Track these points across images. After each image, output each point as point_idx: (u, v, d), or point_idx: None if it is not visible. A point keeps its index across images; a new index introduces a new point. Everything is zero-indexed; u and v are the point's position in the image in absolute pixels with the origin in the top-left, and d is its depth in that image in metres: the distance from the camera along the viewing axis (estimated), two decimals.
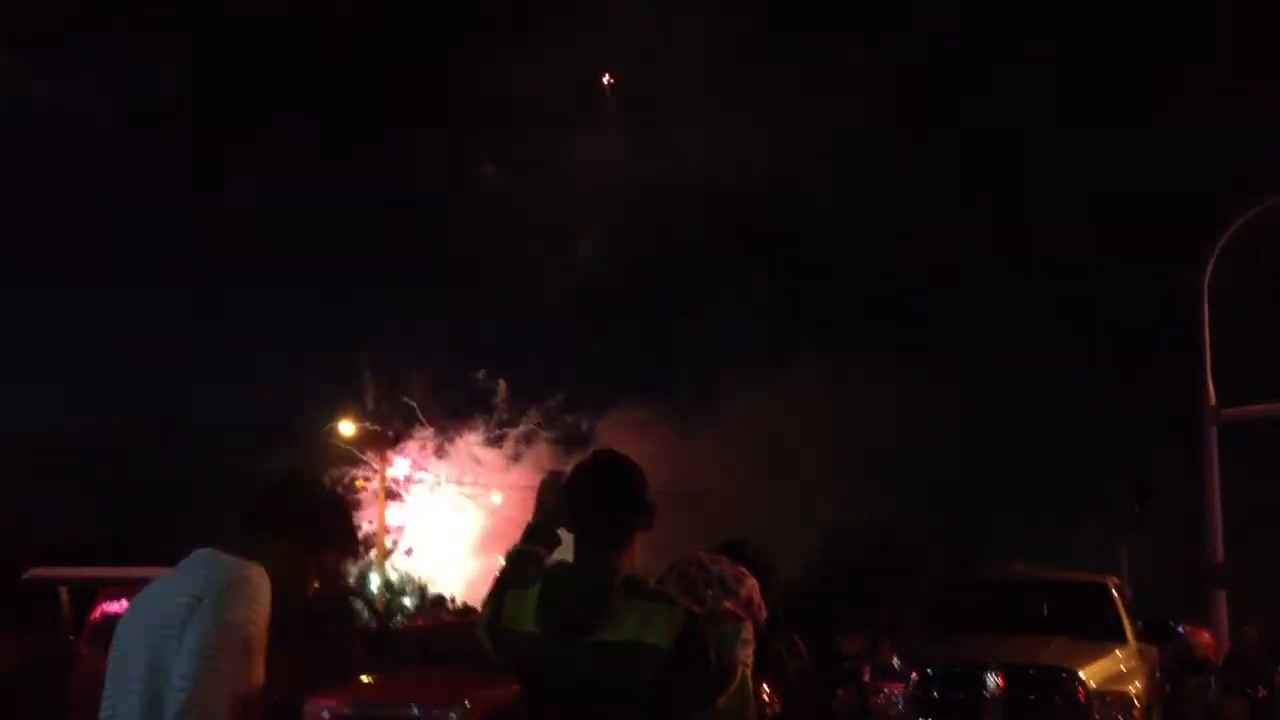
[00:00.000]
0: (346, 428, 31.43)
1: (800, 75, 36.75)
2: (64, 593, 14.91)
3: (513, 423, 36.05)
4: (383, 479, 31.56)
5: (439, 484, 34.98)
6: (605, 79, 38.86)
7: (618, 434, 33.35)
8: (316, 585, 3.19)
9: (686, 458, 31.93)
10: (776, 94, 37.07)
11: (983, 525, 28.85)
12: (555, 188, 37.58)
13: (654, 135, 37.86)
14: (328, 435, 31.50)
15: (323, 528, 3.19)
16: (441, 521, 34.90)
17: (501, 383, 35.82)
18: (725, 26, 37.30)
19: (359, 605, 16.59)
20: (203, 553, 3.01)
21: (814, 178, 35.29)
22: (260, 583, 2.95)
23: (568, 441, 35.50)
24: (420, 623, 19.86)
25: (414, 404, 34.46)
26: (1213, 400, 17.18)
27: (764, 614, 3.68)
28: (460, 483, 34.68)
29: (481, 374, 35.69)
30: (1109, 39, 34.66)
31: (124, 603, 13.10)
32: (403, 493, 34.55)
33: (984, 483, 29.89)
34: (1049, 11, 35.23)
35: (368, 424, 32.07)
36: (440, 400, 35.49)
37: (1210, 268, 17.79)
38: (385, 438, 32.03)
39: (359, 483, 32.30)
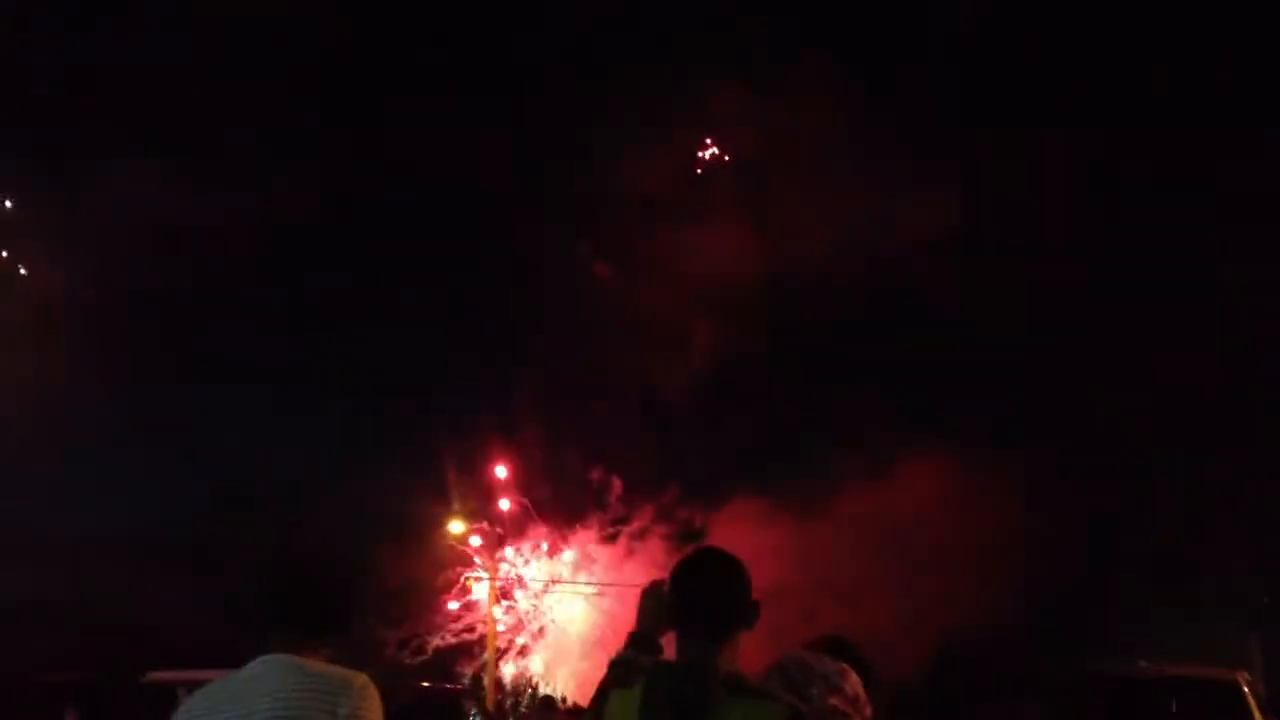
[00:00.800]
0: (456, 526, 31.78)
1: (919, 166, 36.81)
2: (184, 694, 15.15)
3: (626, 519, 36.21)
4: (493, 578, 31.73)
5: (552, 583, 35.12)
6: (708, 153, 39.18)
7: (731, 528, 33.16)
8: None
9: (803, 551, 31.93)
10: (895, 183, 37.19)
11: (1104, 620, 28.06)
12: (666, 280, 38.10)
13: (769, 223, 38.03)
14: (441, 536, 31.88)
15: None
16: (554, 621, 34.95)
17: (615, 479, 36.17)
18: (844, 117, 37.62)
19: (469, 706, 16.63)
20: (289, 661, 3.03)
21: (932, 267, 35.18)
22: (373, 690, 3.01)
23: (681, 537, 35.27)
24: None
25: (527, 503, 35.02)
26: None
27: (869, 710, 3.66)
28: (574, 581, 34.85)
29: (596, 473, 36.14)
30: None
31: None
32: (516, 591, 34.78)
33: (1104, 574, 29.13)
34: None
35: (480, 524, 32.45)
36: (555, 499, 35.87)
37: None
38: (494, 536, 32.27)
39: (469, 582, 32.52)
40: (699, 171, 40.12)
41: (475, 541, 33.04)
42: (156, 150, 36.16)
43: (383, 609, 32.81)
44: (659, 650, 3.49)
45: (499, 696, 32.27)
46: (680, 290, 37.82)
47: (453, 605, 33.75)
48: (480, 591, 33.54)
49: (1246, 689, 11.92)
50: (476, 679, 32.20)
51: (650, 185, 38.18)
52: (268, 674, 3.05)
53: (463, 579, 32.90)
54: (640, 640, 3.49)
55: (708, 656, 3.17)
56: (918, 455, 32.60)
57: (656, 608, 3.48)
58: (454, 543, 32.32)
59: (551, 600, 35.04)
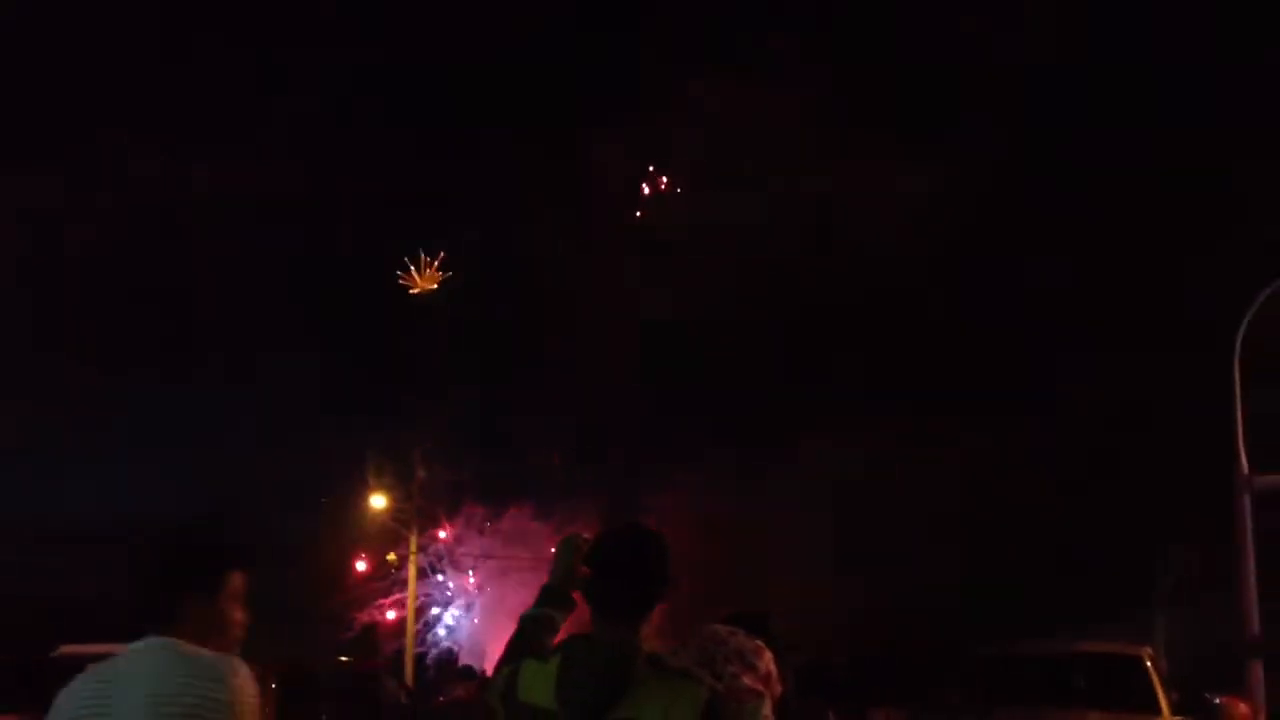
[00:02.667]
0: (378, 501, 31.55)
1: (882, 143, 37.07)
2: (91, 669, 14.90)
3: (566, 494, 36.36)
4: (413, 555, 31.53)
5: (478, 560, 34.95)
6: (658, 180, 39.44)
7: (674, 500, 33.69)
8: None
9: (738, 524, 32.13)
10: (850, 164, 37.48)
11: (1019, 597, 28.55)
12: (619, 260, 38.23)
13: (719, 203, 38.13)
14: (360, 512, 31.67)
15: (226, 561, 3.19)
16: (484, 597, 34.78)
17: (555, 455, 36.02)
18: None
19: (389, 682, 16.56)
20: (164, 644, 3.01)
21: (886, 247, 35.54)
22: (247, 671, 3.00)
23: (621, 507, 35.32)
24: (440, 700, 19.77)
25: (459, 479, 34.98)
26: (1245, 469, 16.99)
27: (781, 688, 3.67)
28: (506, 556, 34.61)
29: (540, 452, 36.14)
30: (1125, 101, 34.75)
31: None
32: (444, 569, 34.61)
33: (1021, 554, 29.61)
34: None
35: (402, 501, 32.19)
36: (493, 475, 35.95)
37: (1241, 333, 17.68)
38: (412, 510, 32.02)
39: (390, 557, 32.30)
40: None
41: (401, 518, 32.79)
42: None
43: (312, 585, 32.64)
44: (572, 605, 3.43)
45: (427, 672, 32.21)
46: (629, 262, 38.18)
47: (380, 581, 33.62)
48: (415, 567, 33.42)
49: (1149, 664, 12.27)
50: (398, 655, 32.00)
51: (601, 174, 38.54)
52: (144, 659, 3.03)
53: (388, 555, 32.64)
54: (553, 593, 3.42)
55: (627, 634, 3.12)
56: (858, 434, 32.75)
57: (571, 560, 3.41)
58: (377, 518, 32.03)
59: (485, 576, 34.90)
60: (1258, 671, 16.61)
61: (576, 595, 3.44)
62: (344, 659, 23.23)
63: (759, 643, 3.70)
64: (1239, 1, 32.74)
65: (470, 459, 35.72)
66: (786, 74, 38.18)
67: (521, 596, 34.27)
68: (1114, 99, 34.51)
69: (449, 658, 34.27)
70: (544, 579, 3.52)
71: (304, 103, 41.90)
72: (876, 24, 39.87)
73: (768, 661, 3.68)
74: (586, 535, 3.45)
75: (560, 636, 3.32)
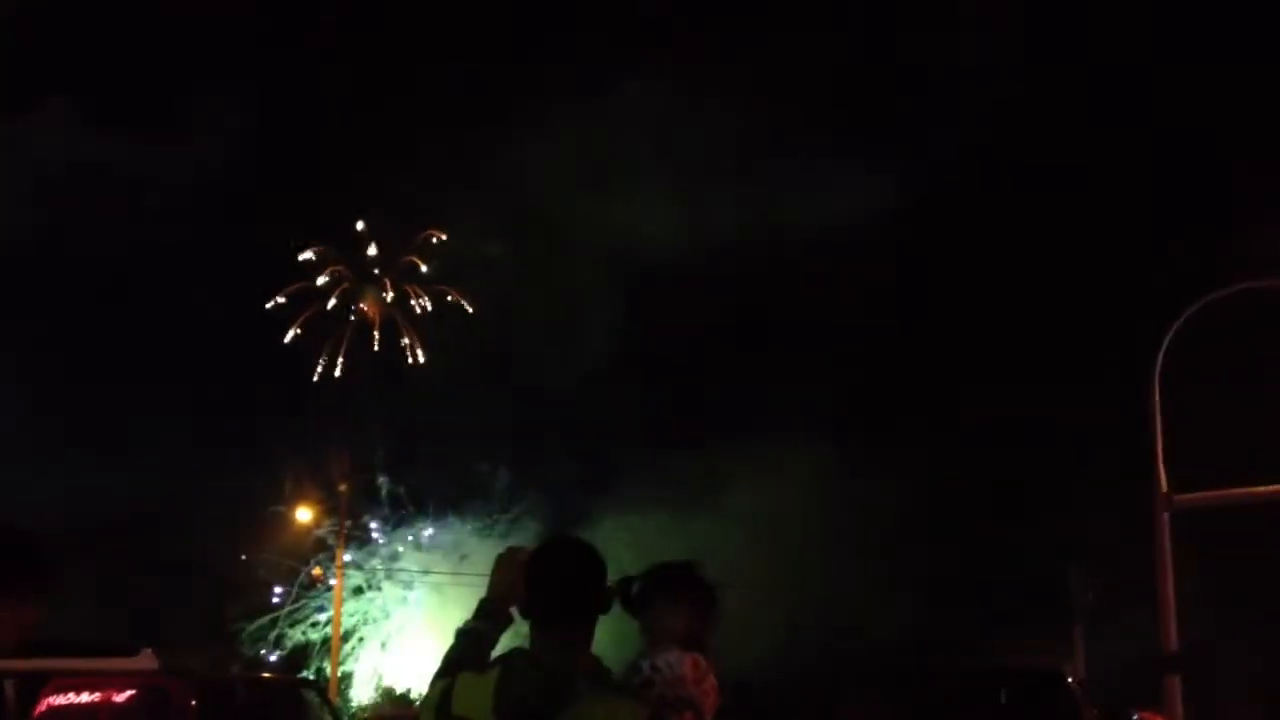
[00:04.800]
0: (303, 514, 31.14)
1: (818, 155, 37.47)
2: (9, 686, 14.57)
3: (509, 508, 36.13)
4: (339, 565, 31.10)
5: (412, 576, 34.52)
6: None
7: (616, 514, 33.61)
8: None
9: (685, 539, 32.00)
10: (786, 176, 37.84)
11: (947, 613, 28.94)
12: (561, 265, 38.30)
13: (657, 219, 38.32)
14: (286, 521, 31.23)
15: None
16: (420, 615, 34.33)
17: (503, 470, 35.90)
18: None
19: (312, 697, 16.31)
20: None
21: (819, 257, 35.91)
22: None
23: (563, 522, 35.09)
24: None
25: (400, 490, 34.66)
26: (1164, 487, 17.29)
27: (714, 701, 3.65)
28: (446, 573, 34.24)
29: (485, 466, 35.95)
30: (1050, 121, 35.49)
31: (71, 695, 12.85)
32: (380, 585, 34.18)
33: (950, 571, 30.05)
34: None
35: (330, 515, 31.77)
36: (437, 490, 35.70)
37: (1161, 355, 18.01)
38: (341, 529, 31.57)
39: (315, 572, 31.82)
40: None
41: (330, 531, 32.35)
42: None
43: (239, 600, 32.15)
44: (508, 620, 3.39)
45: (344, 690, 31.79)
46: (576, 277, 38.26)
47: (310, 596, 33.16)
48: (351, 583, 33.18)
49: (1070, 680, 12.47)
50: (319, 671, 31.59)
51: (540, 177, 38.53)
52: None
53: (311, 566, 32.08)
54: (490, 608, 3.38)
55: (566, 648, 3.10)
56: (809, 446, 33.11)
57: (509, 574, 3.37)
58: (303, 531, 31.61)
59: (423, 592, 34.50)
60: (1175, 686, 16.90)
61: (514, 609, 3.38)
62: (266, 675, 22.88)
63: (694, 657, 3.66)
64: (1182, 25, 33.52)
65: (411, 471, 35.51)
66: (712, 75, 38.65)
67: (462, 613, 33.52)
68: (1040, 127, 35.21)
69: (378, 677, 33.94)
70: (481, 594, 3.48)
71: None
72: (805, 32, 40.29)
73: (701, 676, 3.63)
74: (525, 548, 3.42)
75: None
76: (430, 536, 35.34)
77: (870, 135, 38.54)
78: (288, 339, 38.38)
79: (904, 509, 31.30)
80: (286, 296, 39.03)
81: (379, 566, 34.30)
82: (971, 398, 31.72)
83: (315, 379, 38.32)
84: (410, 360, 39.81)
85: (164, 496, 30.85)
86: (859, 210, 35.38)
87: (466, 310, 40.39)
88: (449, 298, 40.37)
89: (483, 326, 39.61)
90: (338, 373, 38.72)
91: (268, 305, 38.59)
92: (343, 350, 38.94)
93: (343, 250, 40.03)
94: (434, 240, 40.90)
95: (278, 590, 32.69)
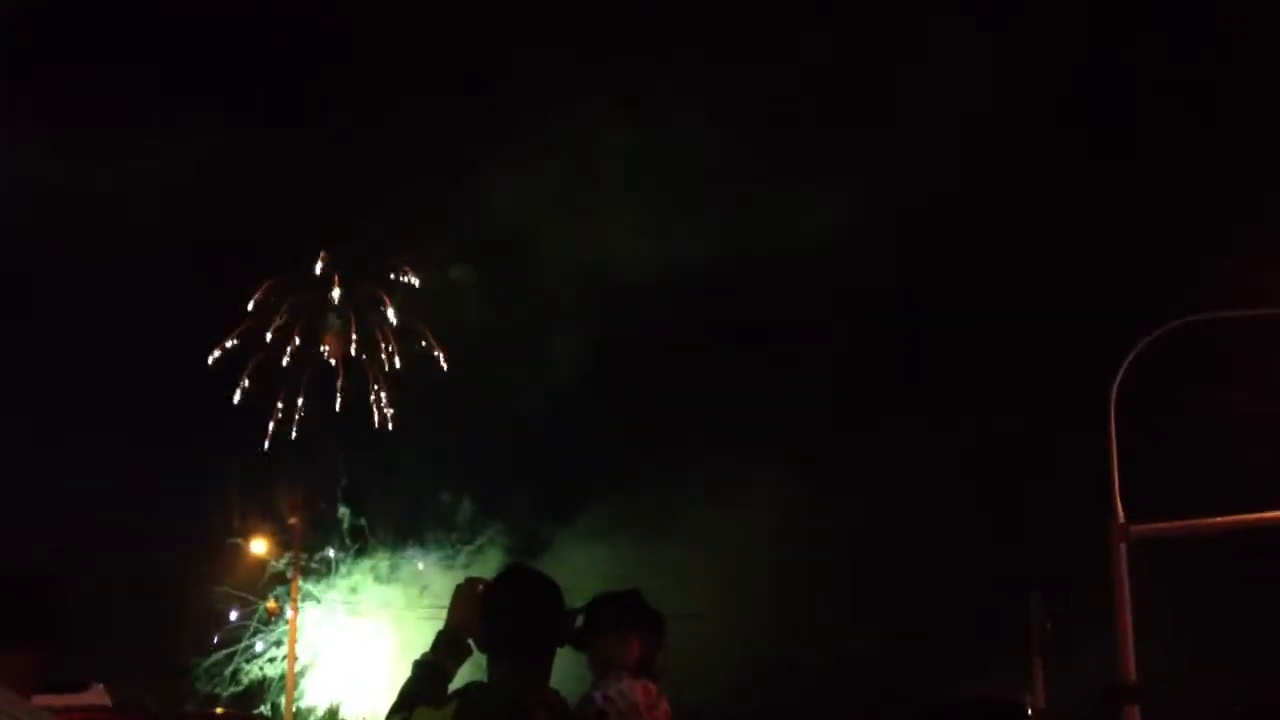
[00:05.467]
0: (258, 546, 30.84)
1: (784, 180, 37.72)
2: None
3: (471, 540, 35.99)
4: (294, 598, 30.70)
5: (371, 608, 34.17)
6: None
7: (578, 543, 33.66)
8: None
9: (647, 568, 32.01)
10: (752, 201, 37.98)
11: (908, 644, 29.03)
12: (526, 293, 38.23)
13: (625, 241, 38.37)
14: (243, 553, 30.91)
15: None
16: (380, 648, 33.96)
17: (466, 502, 35.65)
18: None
19: None
20: None
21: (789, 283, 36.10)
22: None
23: (525, 551, 34.93)
24: None
25: (361, 522, 34.38)
26: (1121, 518, 17.31)
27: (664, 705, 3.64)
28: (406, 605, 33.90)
29: (446, 496, 35.69)
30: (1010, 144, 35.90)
31: None
32: (341, 618, 33.82)
33: (912, 601, 30.20)
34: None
35: (285, 547, 31.42)
36: (399, 522, 35.47)
37: (1117, 384, 18.07)
38: (296, 561, 31.20)
39: (270, 605, 31.40)
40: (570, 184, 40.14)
41: (285, 563, 31.96)
42: None
43: (194, 634, 31.74)
44: (467, 652, 3.35)
45: None
46: (539, 306, 38.24)
47: (263, 631, 32.72)
48: (311, 617, 32.75)
49: (1030, 711, 12.48)
50: (275, 708, 31.21)
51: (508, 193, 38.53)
52: None
53: (267, 599, 31.65)
54: (448, 640, 3.33)
55: (523, 680, 3.07)
56: (772, 475, 33.30)
57: (468, 606, 3.33)
58: (258, 564, 31.25)
59: (383, 625, 34.12)
60: (1135, 717, 16.89)
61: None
62: (220, 711, 22.61)
63: (645, 684, 3.62)
64: (1155, 62, 34.01)
65: (373, 502, 35.30)
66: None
67: (423, 646, 33.10)
68: (1007, 154, 35.56)
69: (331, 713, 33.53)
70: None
71: None
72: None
73: (662, 709, 3.63)
74: (483, 580, 3.39)
75: None
76: (391, 568, 35.03)
77: (836, 159, 38.84)
78: (236, 399, 36.70)
79: (866, 539, 31.43)
80: (237, 337, 37.29)
81: (339, 599, 33.89)
82: (934, 427, 31.92)
83: (270, 426, 36.83)
84: (377, 418, 38.41)
85: (116, 526, 30.44)
86: (825, 236, 35.67)
87: (438, 361, 38.96)
88: (422, 343, 39.05)
89: (449, 358, 39.27)
90: (296, 418, 37.31)
91: (210, 358, 36.79)
92: (300, 397, 37.53)
93: (300, 285, 38.70)
94: (403, 279, 39.60)
95: (233, 623, 32.31)
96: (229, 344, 36.78)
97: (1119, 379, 17.96)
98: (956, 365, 32.39)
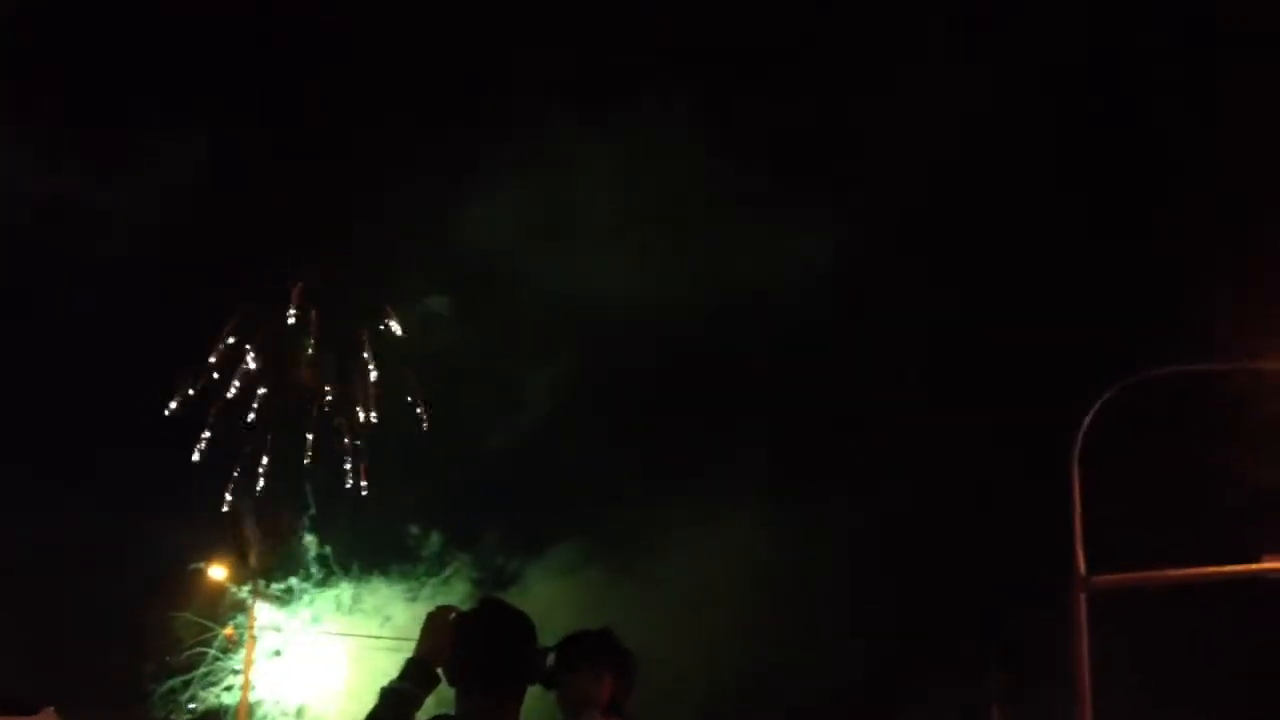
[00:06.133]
0: (217, 572, 30.61)
1: (761, 215, 37.87)
2: None
3: (439, 571, 35.66)
4: (251, 627, 30.41)
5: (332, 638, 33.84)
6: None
7: (547, 577, 33.70)
8: None
9: (615, 603, 31.84)
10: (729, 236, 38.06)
11: (870, 693, 29.09)
12: (500, 328, 38.07)
13: (598, 274, 38.34)
14: (204, 579, 30.63)
15: None
16: (341, 679, 33.61)
17: (436, 534, 35.34)
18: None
19: None
20: None
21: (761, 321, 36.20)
22: None
23: (493, 584, 34.79)
24: None
25: (327, 551, 34.04)
26: (1082, 569, 17.29)
27: None
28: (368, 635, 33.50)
29: (415, 528, 35.37)
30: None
31: None
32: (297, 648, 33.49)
33: (874, 651, 30.29)
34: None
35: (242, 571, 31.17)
36: (365, 552, 35.10)
37: (1081, 434, 18.11)
38: (255, 588, 30.93)
39: (226, 631, 31.11)
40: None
41: (246, 590, 31.67)
42: None
43: (151, 659, 31.36)
44: (435, 680, 3.27)
45: None
46: (513, 338, 38.13)
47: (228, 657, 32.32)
48: (269, 644, 32.32)
49: None
50: None
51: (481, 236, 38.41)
52: None
53: (225, 626, 31.41)
54: (416, 669, 3.24)
55: (492, 715, 3.07)
56: (742, 511, 33.35)
57: (439, 635, 3.25)
58: (219, 590, 31.02)
59: (344, 656, 33.74)
60: None
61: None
62: None
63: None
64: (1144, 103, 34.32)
65: (340, 532, 35.05)
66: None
67: (384, 679, 32.57)
68: (973, 194, 35.83)
69: None
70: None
71: None
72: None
73: None
74: (455, 608, 3.34)
75: None
76: (354, 598, 34.75)
77: (810, 196, 38.99)
78: (195, 457, 34.91)
79: (828, 581, 31.49)
80: (196, 386, 35.42)
81: (300, 628, 33.56)
82: (897, 467, 32.06)
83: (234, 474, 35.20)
84: (350, 477, 36.90)
85: (73, 548, 30.09)
86: (795, 273, 35.84)
87: (418, 414, 37.66)
88: (408, 398, 37.70)
89: (425, 390, 38.84)
90: (261, 469, 35.62)
91: (166, 410, 34.95)
92: (265, 455, 35.75)
93: (269, 321, 36.90)
94: (383, 325, 37.94)
95: (193, 650, 31.98)
96: (190, 391, 35.33)
97: (1084, 427, 18.01)
98: (934, 402, 32.52)
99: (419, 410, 37.05)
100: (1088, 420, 18.19)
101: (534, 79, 41.64)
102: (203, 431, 34.89)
